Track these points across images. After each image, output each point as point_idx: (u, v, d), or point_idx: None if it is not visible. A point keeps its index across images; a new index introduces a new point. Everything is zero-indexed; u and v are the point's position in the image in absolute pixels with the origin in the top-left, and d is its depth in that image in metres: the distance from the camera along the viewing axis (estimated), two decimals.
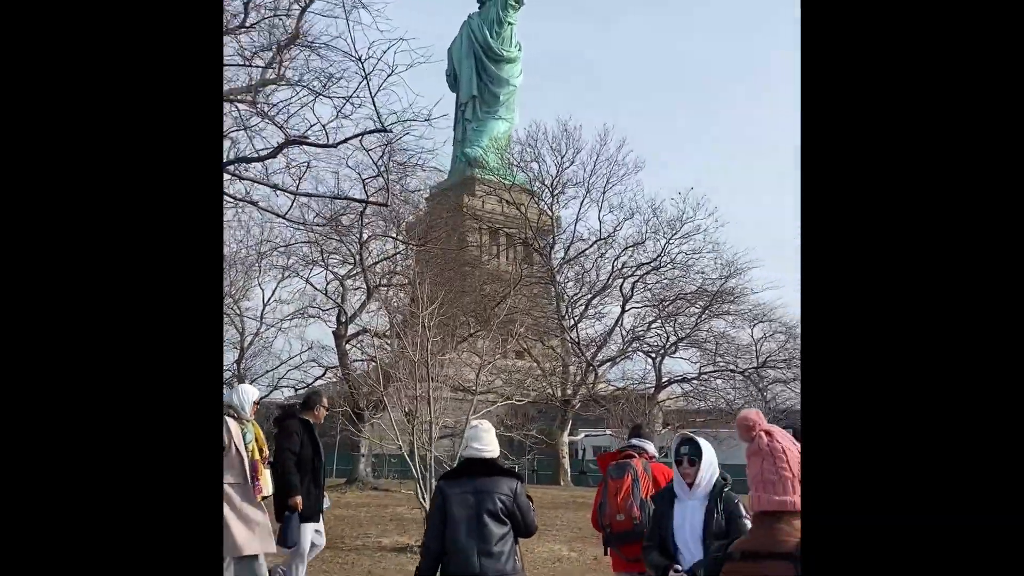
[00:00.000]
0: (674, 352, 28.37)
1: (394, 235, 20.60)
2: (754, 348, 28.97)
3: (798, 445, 2.38)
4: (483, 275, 30.64)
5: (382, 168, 15.89)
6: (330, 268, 20.64)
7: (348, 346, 19.93)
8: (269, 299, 24.56)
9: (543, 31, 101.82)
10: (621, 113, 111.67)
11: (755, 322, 28.87)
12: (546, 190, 31.46)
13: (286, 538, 6.69)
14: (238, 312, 24.53)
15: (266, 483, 6.67)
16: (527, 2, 56.62)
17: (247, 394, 6.88)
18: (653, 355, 28.54)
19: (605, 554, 5.56)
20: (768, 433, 2.51)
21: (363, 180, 17.34)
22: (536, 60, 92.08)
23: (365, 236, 19.19)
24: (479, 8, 57.37)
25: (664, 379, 28.85)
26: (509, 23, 56.57)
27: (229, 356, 23.78)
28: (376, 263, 20.30)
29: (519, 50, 57.48)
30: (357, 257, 19.30)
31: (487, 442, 4.70)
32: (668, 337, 28.26)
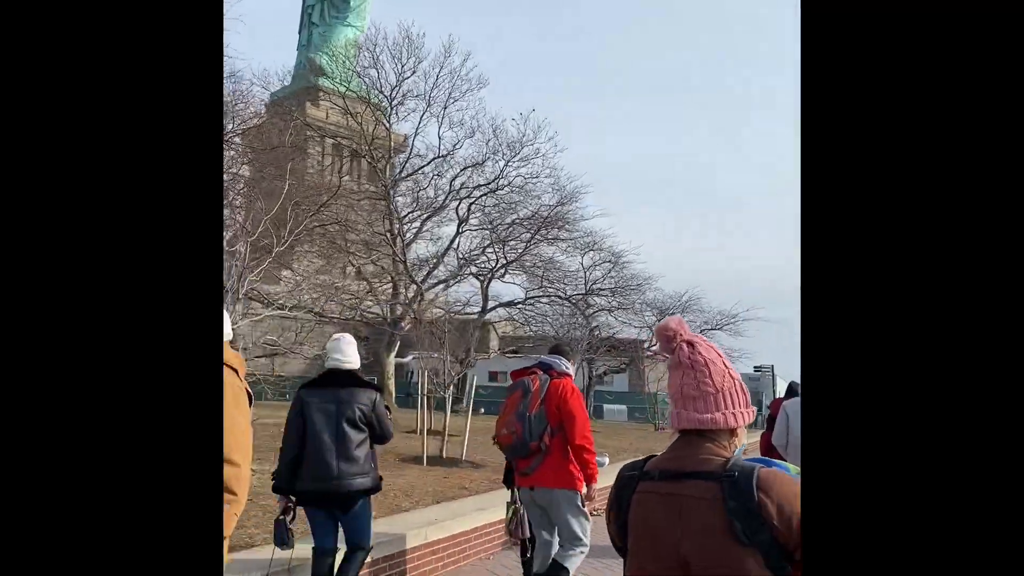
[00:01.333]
0: (503, 276, 28.11)
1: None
2: (583, 275, 29.30)
3: (723, 357, 2.21)
4: (317, 188, 28.85)
5: None
6: None
7: None
8: None
9: None
10: (467, 29, 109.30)
11: (585, 250, 29.11)
12: (385, 100, 29.82)
13: None
14: None
15: None
16: None
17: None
18: (481, 278, 28.15)
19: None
20: (690, 344, 2.20)
21: None
22: None
23: None
24: None
25: (491, 303, 28.61)
26: None
27: None
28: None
29: None
30: None
31: (349, 354, 4.83)
32: (498, 261, 27.90)
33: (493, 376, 36.57)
